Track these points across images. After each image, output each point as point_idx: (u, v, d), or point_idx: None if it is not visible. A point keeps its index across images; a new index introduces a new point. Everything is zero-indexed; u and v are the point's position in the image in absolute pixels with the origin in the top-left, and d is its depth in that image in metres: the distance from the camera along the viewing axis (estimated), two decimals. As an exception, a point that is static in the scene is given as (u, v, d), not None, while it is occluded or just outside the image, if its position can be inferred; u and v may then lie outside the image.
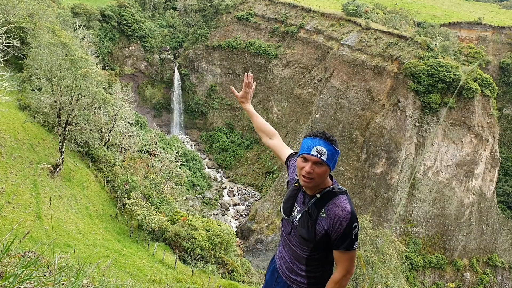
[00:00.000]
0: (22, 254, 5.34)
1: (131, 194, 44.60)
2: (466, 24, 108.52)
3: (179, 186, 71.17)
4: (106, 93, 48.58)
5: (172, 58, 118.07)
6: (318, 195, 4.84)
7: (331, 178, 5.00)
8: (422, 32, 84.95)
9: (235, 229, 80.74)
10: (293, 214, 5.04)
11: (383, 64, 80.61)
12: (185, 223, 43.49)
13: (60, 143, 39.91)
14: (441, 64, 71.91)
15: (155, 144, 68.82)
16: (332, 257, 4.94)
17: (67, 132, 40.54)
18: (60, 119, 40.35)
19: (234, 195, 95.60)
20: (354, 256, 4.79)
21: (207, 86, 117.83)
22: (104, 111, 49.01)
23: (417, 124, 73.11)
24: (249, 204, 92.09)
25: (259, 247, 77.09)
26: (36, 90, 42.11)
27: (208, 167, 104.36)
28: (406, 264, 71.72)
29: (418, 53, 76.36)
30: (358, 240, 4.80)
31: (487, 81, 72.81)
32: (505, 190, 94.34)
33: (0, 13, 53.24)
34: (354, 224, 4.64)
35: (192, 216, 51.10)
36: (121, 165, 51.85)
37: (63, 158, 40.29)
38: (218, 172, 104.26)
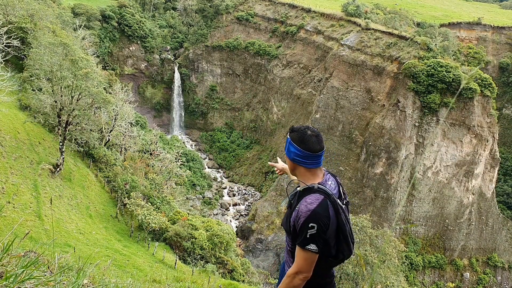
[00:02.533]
0: (23, 254, 5.39)
1: (131, 194, 44.67)
2: (465, 24, 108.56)
3: (179, 186, 71.25)
4: (107, 93, 48.66)
5: (172, 58, 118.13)
6: (299, 189, 5.04)
7: (307, 174, 5.10)
8: (422, 32, 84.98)
9: (235, 229, 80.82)
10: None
11: (383, 64, 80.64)
12: (185, 223, 43.55)
13: (61, 143, 39.98)
14: (440, 64, 71.94)
15: (155, 144, 68.91)
16: None
17: (67, 132, 40.61)
18: (60, 119, 40.42)
19: (234, 195, 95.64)
20: (308, 257, 4.75)
21: (207, 86, 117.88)
22: (104, 111, 49.08)
23: (416, 124, 73.15)
24: (249, 204, 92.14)
25: (259, 247, 77.14)
26: (36, 90, 42.17)
27: (208, 167, 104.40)
28: (405, 264, 71.76)
29: (418, 53, 76.39)
30: (317, 245, 4.68)
31: (486, 81, 72.81)
32: (505, 190, 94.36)
33: (1, 13, 53.31)
34: (311, 224, 4.64)
35: (192, 216, 51.16)
36: (121, 165, 51.92)
37: (63, 158, 40.37)
38: (218, 172, 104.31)
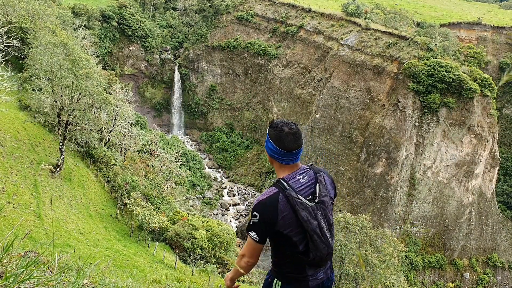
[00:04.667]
0: (23, 254, 5.39)
1: (131, 194, 44.68)
2: (465, 24, 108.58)
3: (179, 186, 71.26)
4: (107, 93, 48.67)
5: (172, 58, 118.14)
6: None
7: (282, 169, 5.17)
8: (422, 32, 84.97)
9: (235, 229, 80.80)
10: None
11: (383, 64, 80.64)
12: (185, 223, 43.54)
13: (61, 143, 39.97)
14: (440, 64, 71.94)
15: (155, 144, 68.89)
16: (273, 244, 5.23)
17: (67, 132, 40.61)
18: (60, 119, 40.42)
19: (234, 195, 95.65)
20: (250, 242, 5.08)
21: (207, 86, 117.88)
22: (104, 111, 49.07)
23: (416, 124, 73.15)
24: (249, 204, 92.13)
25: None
26: (36, 90, 42.18)
27: (208, 167, 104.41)
28: (405, 263, 71.75)
29: (418, 53, 76.39)
30: (257, 233, 4.95)
31: (486, 81, 72.81)
32: (505, 190, 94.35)
33: (1, 13, 53.31)
34: (255, 213, 4.93)
35: (192, 216, 51.15)
36: (121, 165, 51.91)
37: (63, 158, 40.36)
38: (218, 172, 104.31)
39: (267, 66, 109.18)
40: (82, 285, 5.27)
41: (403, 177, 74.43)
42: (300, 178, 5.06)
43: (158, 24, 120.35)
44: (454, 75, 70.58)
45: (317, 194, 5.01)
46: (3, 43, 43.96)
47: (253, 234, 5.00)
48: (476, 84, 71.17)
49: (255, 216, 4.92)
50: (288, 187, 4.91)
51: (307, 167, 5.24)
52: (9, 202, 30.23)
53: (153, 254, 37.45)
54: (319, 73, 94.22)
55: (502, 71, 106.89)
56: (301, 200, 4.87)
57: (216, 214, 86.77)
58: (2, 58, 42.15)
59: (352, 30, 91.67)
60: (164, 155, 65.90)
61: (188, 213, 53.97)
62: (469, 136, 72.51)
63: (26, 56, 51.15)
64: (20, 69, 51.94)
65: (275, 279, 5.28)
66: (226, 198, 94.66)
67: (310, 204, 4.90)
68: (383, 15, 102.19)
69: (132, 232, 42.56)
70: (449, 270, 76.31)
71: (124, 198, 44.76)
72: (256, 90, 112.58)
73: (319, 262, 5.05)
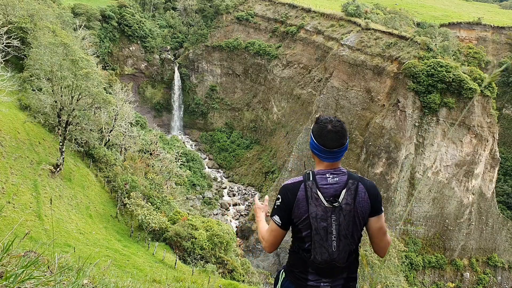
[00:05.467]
0: (23, 254, 5.39)
1: (131, 194, 44.68)
2: (465, 24, 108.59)
3: (179, 186, 71.30)
4: (107, 93, 48.68)
5: (172, 58, 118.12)
6: None
7: (320, 165, 5.14)
8: (422, 32, 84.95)
9: (235, 229, 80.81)
10: None
11: (383, 64, 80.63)
12: (185, 223, 43.55)
13: (61, 143, 39.97)
14: (440, 64, 71.92)
15: (155, 144, 68.90)
16: (292, 235, 5.16)
17: (67, 132, 40.61)
18: (60, 119, 40.42)
19: (234, 195, 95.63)
20: (273, 228, 5.06)
21: (207, 86, 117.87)
22: (104, 111, 49.10)
23: (416, 124, 73.15)
24: (249, 204, 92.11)
25: (259, 247, 77.14)
26: (36, 90, 42.17)
27: (208, 167, 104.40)
28: (405, 263, 71.76)
29: (418, 53, 76.35)
30: (280, 217, 4.94)
31: (487, 81, 72.81)
32: (505, 190, 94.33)
33: (1, 13, 53.29)
34: (278, 196, 5.00)
35: (192, 216, 51.15)
36: (121, 165, 51.90)
37: (63, 158, 40.36)
38: (218, 172, 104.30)
39: (267, 66, 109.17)
40: (82, 285, 5.27)
41: (403, 177, 74.44)
42: (329, 177, 4.91)
43: (158, 24, 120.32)
44: (454, 75, 70.57)
45: (340, 199, 4.80)
46: (3, 43, 43.97)
47: (276, 218, 4.96)
48: (476, 84, 71.17)
49: (278, 199, 4.96)
50: (312, 179, 4.87)
51: (345, 170, 5.07)
52: (9, 202, 30.23)
53: (153, 254, 37.46)
54: (319, 73, 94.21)
55: (502, 71, 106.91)
56: (318, 195, 4.78)
57: (216, 214, 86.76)
58: (2, 58, 42.15)
59: (352, 30, 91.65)
60: (164, 155, 65.92)
61: (188, 213, 53.97)
62: (469, 136, 72.51)
63: (26, 56, 51.14)
64: (20, 69, 51.92)
65: (282, 271, 5.24)
66: (226, 198, 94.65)
67: (326, 204, 4.77)
68: (383, 15, 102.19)
69: (132, 232, 42.57)
70: (449, 270, 76.32)
71: (124, 198, 44.76)
72: (256, 90, 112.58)
73: (322, 269, 4.85)
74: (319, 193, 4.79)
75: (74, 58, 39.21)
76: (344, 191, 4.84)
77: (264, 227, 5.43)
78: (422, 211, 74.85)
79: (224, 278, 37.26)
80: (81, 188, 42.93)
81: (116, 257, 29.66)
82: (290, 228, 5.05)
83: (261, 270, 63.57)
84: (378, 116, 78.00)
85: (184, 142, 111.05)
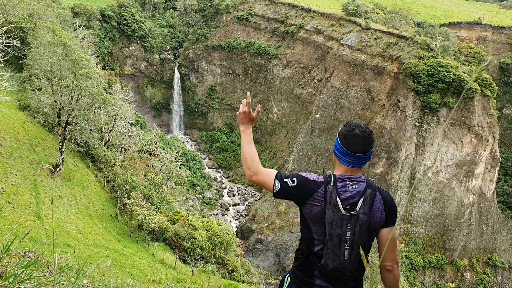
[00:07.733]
0: (22, 254, 5.35)
1: (131, 194, 44.64)
2: (466, 24, 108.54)
3: (179, 186, 71.26)
4: (106, 93, 48.61)
5: (172, 58, 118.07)
6: None
7: (340, 168, 5.09)
8: (422, 32, 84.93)
9: (235, 229, 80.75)
10: None
11: (383, 64, 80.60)
12: (185, 223, 43.50)
13: (60, 143, 39.91)
14: (441, 64, 71.90)
15: (155, 144, 68.86)
16: (301, 236, 5.09)
17: (67, 132, 40.56)
18: (60, 119, 40.37)
19: (234, 195, 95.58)
20: (270, 178, 5.03)
21: (207, 86, 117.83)
22: (104, 111, 49.03)
23: (417, 124, 73.12)
24: (249, 204, 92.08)
25: (259, 247, 77.08)
26: (36, 90, 42.12)
27: (208, 167, 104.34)
28: (406, 264, 71.73)
29: (418, 53, 76.34)
30: (281, 184, 4.94)
31: (487, 81, 72.78)
32: (505, 190, 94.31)
33: (0, 13, 53.24)
34: (294, 179, 4.93)
35: (192, 216, 51.11)
36: (121, 165, 51.86)
37: (63, 158, 40.30)
38: (218, 172, 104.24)
39: (267, 66, 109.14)
40: (82, 285, 5.22)
41: (404, 177, 74.41)
42: (349, 184, 4.86)
43: (158, 24, 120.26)
44: (455, 75, 70.56)
45: (357, 208, 4.75)
46: (3, 43, 43.92)
47: (277, 184, 4.91)
48: (477, 84, 71.16)
49: (293, 181, 4.85)
50: (333, 184, 4.79)
51: (364, 178, 5.03)
52: (8, 202, 30.17)
53: (153, 254, 37.42)
54: (319, 73, 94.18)
55: (503, 71, 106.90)
56: (337, 202, 4.71)
57: (216, 214, 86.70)
58: (1, 58, 42.09)
59: (352, 30, 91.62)
60: (164, 155, 65.86)
61: (188, 213, 53.93)
62: (469, 136, 72.49)
63: (25, 56, 51.07)
64: (20, 69, 51.87)
65: (288, 276, 5.13)
66: (226, 198, 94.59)
67: (344, 212, 4.70)
68: (383, 15, 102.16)
69: (132, 232, 42.51)
70: (450, 270, 76.29)
71: (124, 198, 44.72)
72: (256, 90, 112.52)
73: (331, 276, 4.76)
74: (338, 199, 4.73)
75: (73, 58, 39.16)
76: (361, 200, 4.81)
77: (250, 151, 5.31)
78: (422, 211, 74.83)
79: (224, 278, 37.20)
80: (81, 188, 42.88)
81: (116, 257, 29.60)
82: (300, 229, 4.98)
83: (261, 271, 63.53)
84: (378, 116, 77.96)
85: (184, 142, 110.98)
